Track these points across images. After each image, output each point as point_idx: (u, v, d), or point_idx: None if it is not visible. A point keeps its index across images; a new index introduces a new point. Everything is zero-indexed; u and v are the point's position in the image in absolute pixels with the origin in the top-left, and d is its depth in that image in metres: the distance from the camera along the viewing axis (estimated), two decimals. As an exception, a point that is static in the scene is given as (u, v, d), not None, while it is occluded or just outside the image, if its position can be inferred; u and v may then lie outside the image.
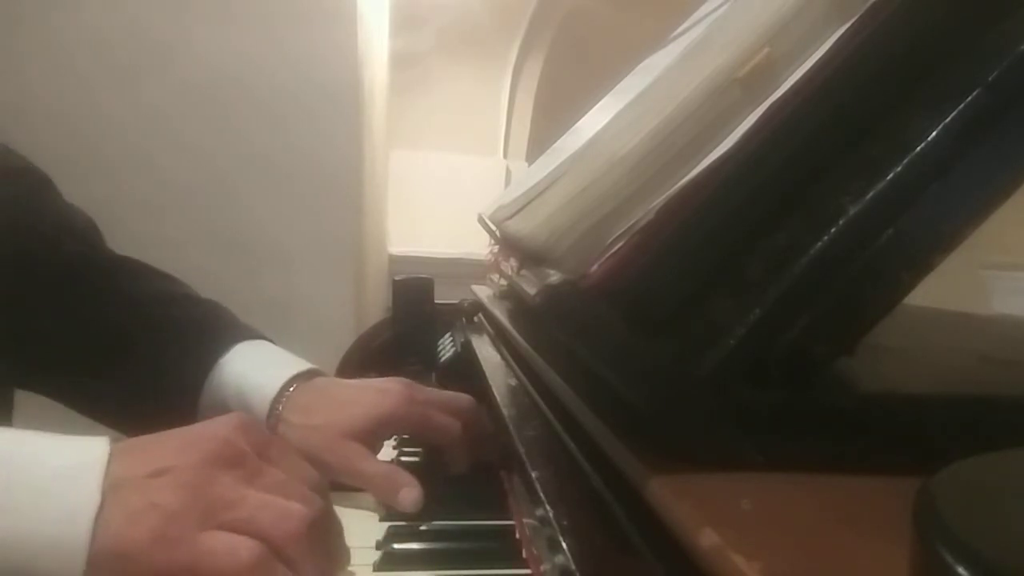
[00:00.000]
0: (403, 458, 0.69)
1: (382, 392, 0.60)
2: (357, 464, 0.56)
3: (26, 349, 0.62)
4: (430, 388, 0.65)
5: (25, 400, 0.66)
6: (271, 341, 0.66)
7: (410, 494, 0.55)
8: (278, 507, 0.39)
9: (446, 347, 0.96)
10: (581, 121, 0.72)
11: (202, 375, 0.61)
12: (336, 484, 0.59)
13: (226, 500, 0.39)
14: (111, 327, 0.64)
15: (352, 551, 0.48)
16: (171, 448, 0.40)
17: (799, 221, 0.33)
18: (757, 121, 0.40)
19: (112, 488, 0.37)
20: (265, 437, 0.44)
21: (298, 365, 0.62)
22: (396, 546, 0.50)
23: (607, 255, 0.48)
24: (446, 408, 0.62)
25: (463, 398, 0.64)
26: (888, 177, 0.31)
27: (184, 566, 0.37)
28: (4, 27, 1.81)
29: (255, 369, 0.61)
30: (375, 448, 0.60)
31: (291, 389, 0.60)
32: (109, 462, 0.38)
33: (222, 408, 0.61)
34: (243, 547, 0.37)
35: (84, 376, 0.64)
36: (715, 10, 0.64)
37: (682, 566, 0.25)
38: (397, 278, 1.07)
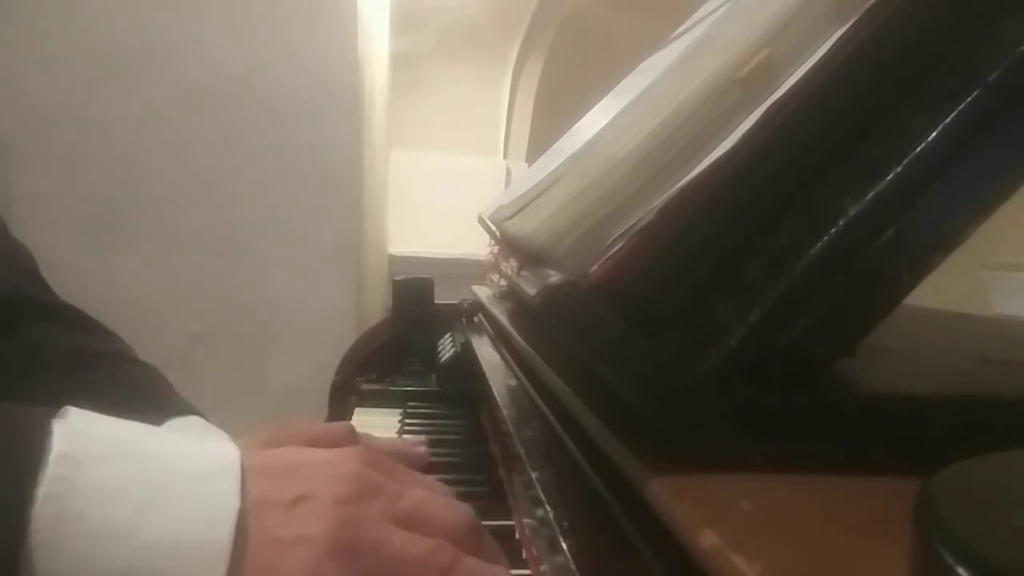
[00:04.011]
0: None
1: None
2: None
3: None
4: (383, 444, 0.58)
5: None
6: (203, 416, 0.63)
7: None
8: (423, 544, 0.37)
9: (446, 347, 0.96)
10: (581, 122, 0.72)
11: None
12: None
13: (372, 540, 0.37)
14: (42, 374, 0.62)
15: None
16: (310, 477, 0.38)
17: (799, 221, 0.33)
18: (757, 122, 0.40)
19: (256, 508, 0.35)
20: (391, 464, 0.42)
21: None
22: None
23: (607, 256, 0.48)
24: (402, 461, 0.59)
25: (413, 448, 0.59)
26: (888, 177, 0.31)
27: None
28: (4, 28, 1.81)
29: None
30: None
31: None
32: (244, 476, 0.36)
33: None
34: None
35: None
36: (715, 11, 0.64)
37: (682, 567, 0.25)
38: (397, 278, 1.07)
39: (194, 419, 0.62)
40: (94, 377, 0.63)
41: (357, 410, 0.87)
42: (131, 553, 0.32)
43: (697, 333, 0.33)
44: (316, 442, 0.55)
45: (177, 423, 0.60)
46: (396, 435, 0.74)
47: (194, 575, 0.33)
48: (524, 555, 0.48)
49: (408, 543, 0.37)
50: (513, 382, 0.64)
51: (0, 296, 0.63)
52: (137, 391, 0.63)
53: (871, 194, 0.31)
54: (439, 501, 0.40)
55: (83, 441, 0.34)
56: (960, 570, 0.14)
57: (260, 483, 0.36)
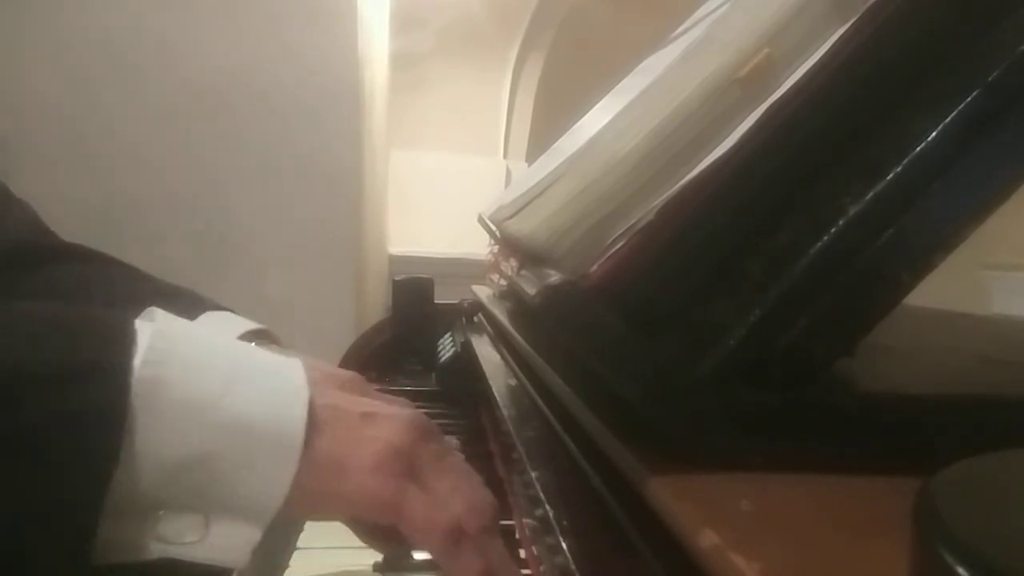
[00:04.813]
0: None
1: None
2: None
3: None
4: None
5: None
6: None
7: None
8: (470, 493, 0.40)
9: (446, 347, 0.96)
10: (581, 121, 0.72)
11: None
12: None
13: (431, 467, 0.39)
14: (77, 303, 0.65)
15: (352, 552, 0.48)
16: (375, 404, 0.41)
17: (799, 221, 0.33)
18: (757, 121, 0.41)
19: (327, 409, 0.38)
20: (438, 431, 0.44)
21: (252, 325, 0.63)
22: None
23: (607, 255, 0.48)
24: None
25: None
26: (888, 177, 0.31)
27: (387, 504, 0.37)
28: (9, 26, 1.81)
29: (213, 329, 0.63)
30: None
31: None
32: (311, 382, 0.38)
33: None
34: (444, 515, 0.38)
35: None
36: (715, 10, 0.64)
37: (682, 566, 0.25)
38: (397, 278, 1.07)
39: (227, 313, 0.65)
40: (121, 296, 0.65)
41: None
42: (217, 427, 0.34)
43: (697, 333, 0.33)
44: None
45: (212, 315, 0.63)
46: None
47: (271, 456, 0.35)
48: (524, 555, 0.48)
49: (463, 484, 0.40)
50: (513, 382, 0.64)
51: (22, 241, 0.66)
52: (170, 294, 0.65)
53: (871, 194, 0.31)
54: (477, 478, 0.42)
55: (173, 324, 0.37)
56: (960, 570, 0.14)
57: (330, 392, 0.39)
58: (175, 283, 0.69)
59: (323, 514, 0.41)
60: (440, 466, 0.40)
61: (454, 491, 0.39)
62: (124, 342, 0.33)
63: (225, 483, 0.34)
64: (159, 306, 0.64)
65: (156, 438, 0.32)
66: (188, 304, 0.64)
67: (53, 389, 0.31)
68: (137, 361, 0.33)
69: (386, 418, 0.39)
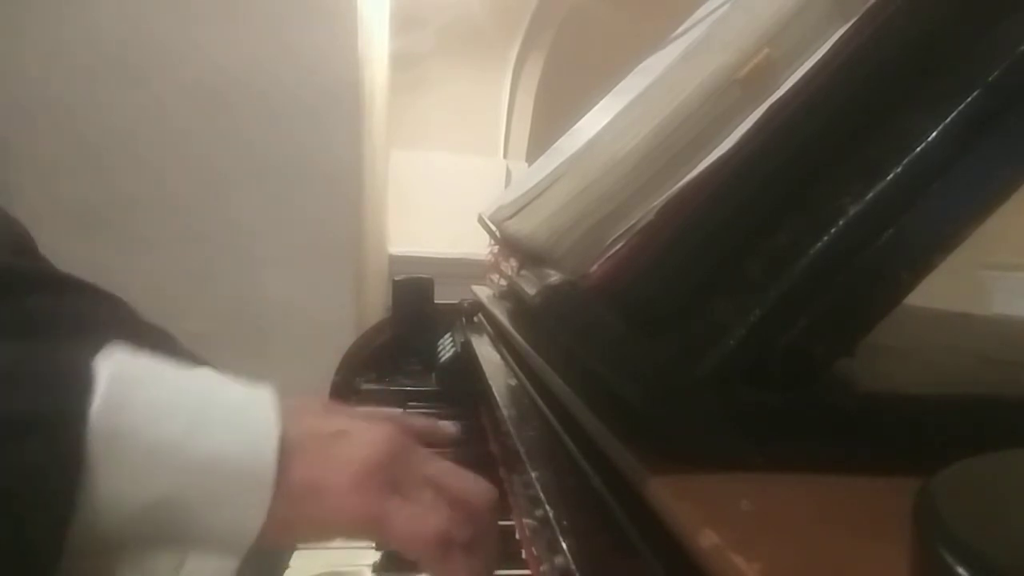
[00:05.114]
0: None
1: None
2: None
3: None
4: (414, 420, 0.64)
5: None
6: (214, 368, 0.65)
7: None
8: (457, 491, 0.40)
9: (446, 347, 0.96)
10: (581, 121, 0.72)
11: None
12: None
13: (412, 478, 0.39)
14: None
15: (352, 552, 0.48)
16: (348, 422, 0.40)
17: (799, 221, 0.33)
18: (757, 122, 0.41)
19: (300, 437, 0.37)
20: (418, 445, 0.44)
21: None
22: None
23: (607, 255, 0.48)
24: None
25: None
26: (888, 177, 0.31)
27: (370, 520, 0.37)
28: (9, 27, 1.81)
29: None
30: None
31: None
32: (282, 412, 0.38)
33: None
34: (429, 525, 0.38)
35: None
36: (715, 11, 0.64)
37: (682, 566, 0.25)
38: (397, 278, 1.07)
39: (206, 370, 0.63)
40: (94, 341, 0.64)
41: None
42: (181, 470, 0.34)
43: (697, 333, 0.33)
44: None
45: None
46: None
47: (242, 492, 0.35)
48: (524, 555, 0.48)
49: (453, 484, 0.39)
50: (513, 382, 0.64)
51: (5, 265, 0.64)
52: (150, 340, 0.64)
53: (871, 194, 0.31)
54: (466, 473, 0.42)
55: (131, 367, 0.35)
56: (960, 570, 0.14)
57: (302, 419, 0.39)
58: (163, 327, 0.66)
59: (305, 539, 0.40)
60: (421, 476, 0.39)
61: (438, 500, 0.39)
62: (79, 391, 0.33)
63: (196, 522, 0.34)
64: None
65: (117, 485, 0.32)
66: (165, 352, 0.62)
67: (8, 440, 0.31)
68: (93, 409, 0.32)
69: (359, 434, 0.39)
